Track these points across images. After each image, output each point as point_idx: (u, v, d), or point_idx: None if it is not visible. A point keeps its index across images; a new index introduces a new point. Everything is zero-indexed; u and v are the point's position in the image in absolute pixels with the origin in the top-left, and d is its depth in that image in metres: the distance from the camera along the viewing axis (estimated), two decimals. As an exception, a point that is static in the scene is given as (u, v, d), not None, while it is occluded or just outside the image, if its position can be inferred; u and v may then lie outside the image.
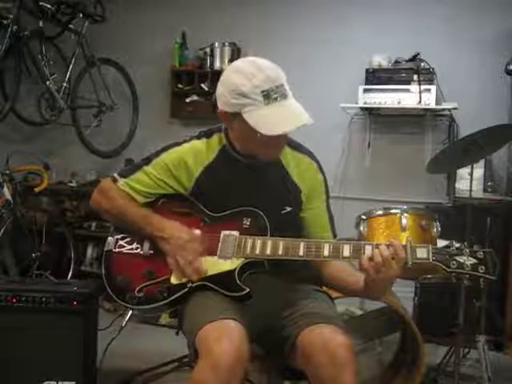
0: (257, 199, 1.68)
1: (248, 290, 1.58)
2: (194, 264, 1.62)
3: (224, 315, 1.48)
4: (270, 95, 1.51)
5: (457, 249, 1.51)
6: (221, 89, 1.60)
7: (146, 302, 1.66)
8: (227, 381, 1.37)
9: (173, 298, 1.64)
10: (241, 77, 1.53)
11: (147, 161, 1.74)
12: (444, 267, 1.50)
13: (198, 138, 1.76)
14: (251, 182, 1.71)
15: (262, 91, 1.51)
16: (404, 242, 1.53)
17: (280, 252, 1.59)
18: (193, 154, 1.72)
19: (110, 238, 1.77)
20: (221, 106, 1.61)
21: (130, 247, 1.73)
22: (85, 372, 2.29)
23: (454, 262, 1.49)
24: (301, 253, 1.58)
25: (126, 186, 1.73)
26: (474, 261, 1.49)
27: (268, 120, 1.51)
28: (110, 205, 1.75)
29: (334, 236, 1.80)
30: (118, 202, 1.73)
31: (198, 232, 1.67)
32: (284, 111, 1.53)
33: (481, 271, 1.48)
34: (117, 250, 1.74)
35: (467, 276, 1.52)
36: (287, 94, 1.55)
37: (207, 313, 1.51)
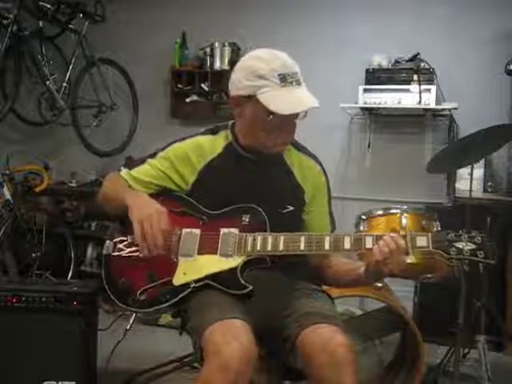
0: (258, 196, 1.68)
1: (251, 287, 1.58)
2: (156, 238, 1.59)
3: (230, 315, 1.47)
4: (286, 79, 1.58)
5: (455, 235, 1.53)
6: (236, 75, 1.65)
7: (148, 304, 1.65)
8: (236, 381, 1.36)
9: (176, 299, 1.63)
10: (259, 61, 1.60)
11: (153, 155, 1.79)
12: (444, 254, 1.52)
13: (203, 134, 1.80)
14: (254, 178, 1.72)
15: (279, 74, 1.58)
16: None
17: (281, 247, 1.59)
18: (196, 149, 1.75)
19: (108, 242, 1.75)
20: (233, 92, 1.65)
21: (128, 250, 1.71)
22: (85, 372, 2.28)
23: (454, 249, 1.51)
24: (302, 247, 1.58)
25: (128, 175, 1.77)
26: (473, 246, 1.51)
27: (281, 100, 1.57)
28: (104, 188, 1.80)
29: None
30: (109, 183, 1.80)
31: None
32: (297, 95, 1.59)
33: (480, 256, 1.50)
34: (115, 253, 1.73)
35: (466, 261, 1.53)
36: (301, 82, 1.62)
37: (213, 312, 1.50)
